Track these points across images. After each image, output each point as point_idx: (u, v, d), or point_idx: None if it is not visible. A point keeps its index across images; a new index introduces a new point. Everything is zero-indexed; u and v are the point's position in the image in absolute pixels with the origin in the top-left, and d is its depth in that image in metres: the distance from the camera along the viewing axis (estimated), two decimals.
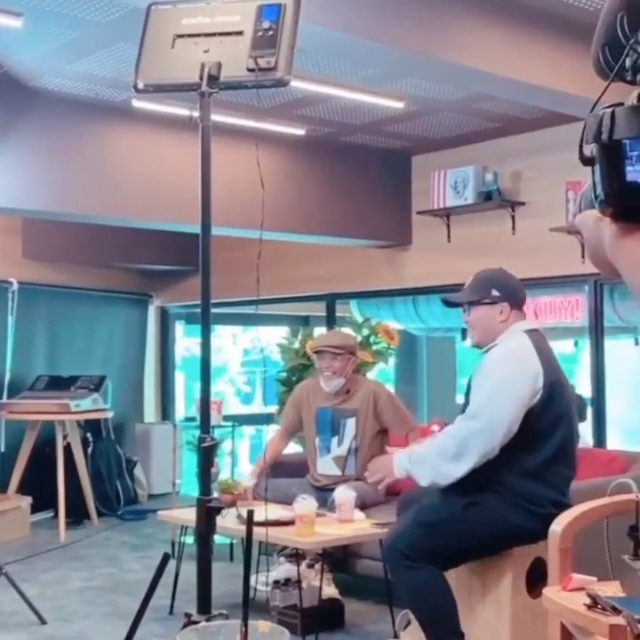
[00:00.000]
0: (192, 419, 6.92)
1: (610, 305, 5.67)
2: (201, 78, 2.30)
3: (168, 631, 4.12)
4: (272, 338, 6.47)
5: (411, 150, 6.44)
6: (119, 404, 7.45)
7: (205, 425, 2.33)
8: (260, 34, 2.34)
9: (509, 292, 3.47)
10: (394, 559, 3.31)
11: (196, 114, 2.32)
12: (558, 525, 2.61)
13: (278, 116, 5.57)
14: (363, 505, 4.47)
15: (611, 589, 2.39)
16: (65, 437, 6.63)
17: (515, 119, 5.62)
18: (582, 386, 5.84)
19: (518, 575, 3.34)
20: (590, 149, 0.87)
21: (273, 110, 5.43)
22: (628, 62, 0.87)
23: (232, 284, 6.12)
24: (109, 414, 7.07)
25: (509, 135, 5.94)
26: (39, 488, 6.66)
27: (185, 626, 2.26)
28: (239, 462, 7.94)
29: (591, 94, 0.90)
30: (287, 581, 4.34)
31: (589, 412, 5.47)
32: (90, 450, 7.23)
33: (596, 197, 0.86)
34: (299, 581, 4.13)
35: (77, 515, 6.73)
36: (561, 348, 7.45)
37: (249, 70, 2.31)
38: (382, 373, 7.18)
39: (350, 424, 4.77)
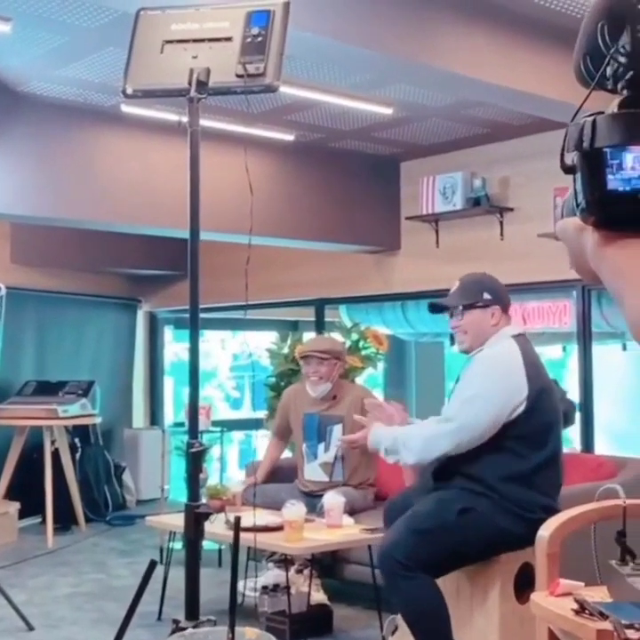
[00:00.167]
0: (181, 424, 6.90)
1: (597, 310, 5.69)
2: (190, 84, 2.30)
3: (156, 637, 4.11)
4: (261, 343, 6.46)
5: (399, 156, 6.46)
6: (107, 410, 7.44)
7: (194, 430, 2.33)
8: (248, 40, 2.34)
9: (499, 296, 3.49)
10: (389, 568, 3.24)
11: (184, 119, 2.32)
12: (546, 531, 2.62)
13: (267, 122, 5.58)
14: (351, 510, 4.47)
15: (598, 595, 2.39)
16: (53, 443, 6.60)
17: (503, 125, 5.64)
18: (571, 391, 5.86)
19: (506, 581, 3.35)
20: (571, 158, 0.87)
21: (262, 116, 5.44)
22: (608, 71, 0.88)
23: (221, 288, 6.12)
24: (98, 420, 7.05)
25: (497, 141, 5.96)
26: (27, 493, 6.64)
27: (172, 632, 2.25)
28: (228, 468, 7.92)
29: (578, 101, 0.91)
30: (276, 587, 4.33)
31: (577, 417, 5.48)
32: (78, 455, 7.21)
33: (578, 206, 0.87)
34: (287, 587, 4.13)
35: (65, 520, 6.70)
36: (549, 353, 7.48)
37: (238, 76, 2.31)
38: (371, 378, 7.18)
39: (337, 430, 4.76)
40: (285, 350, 5.74)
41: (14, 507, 6.49)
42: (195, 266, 2.30)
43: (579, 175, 0.86)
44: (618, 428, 7.71)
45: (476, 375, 3.34)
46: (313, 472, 4.83)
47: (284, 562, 4.30)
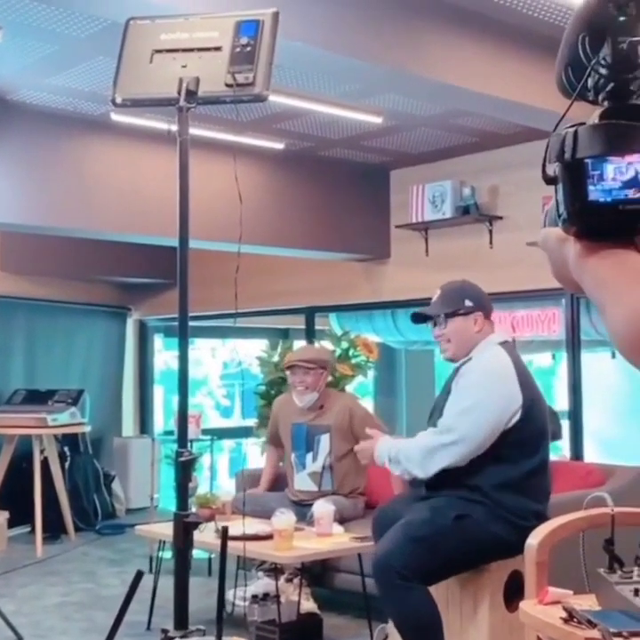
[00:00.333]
0: (171, 432, 6.89)
1: (586, 318, 5.71)
2: (179, 93, 2.30)
3: None
4: (252, 351, 6.46)
5: (389, 165, 6.47)
6: (97, 418, 7.42)
7: (183, 439, 2.33)
8: (238, 49, 2.35)
9: (481, 302, 3.49)
10: (387, 578, 3.18)
11: (174, 128, 2.33)
12: (534, 539, 2.62)
13: (257, 130, 5.59)
14: (341, 519, 4.47)
15: (586, 603, 2.40)
16: (42, 452, 6.58)
17: (492, 134, 5.67)
18: (560, 399, 5.87)
19: (496, 589, 3.35)
20: (553, 169, 0.88)
21: (252, 124, 5.45)
22: (590, 82, 0.89)
23: (211, 297, 6.11)
24: (87, 428, 7.03)
25: (486, 150, 5.99)
26: (16, 503, 6.61)
27: None
28: (218, 476, 7.91)
29: (569, 111, 0.92)
30: (265, 596, 4.32)
31: (566, 424, 5.50)
32: (67, 464, 7.19)
33: (560, 216, 0.88)
34: (277, 596, 4.12)
35: (54, 529, 6.68)
36: (539, 361, 7.50)
37: (227, 85, 2.32)
38: (361, 386, 7.18)
39: (324, 440, 4.76)
40: (275, 358, 5.73)
41: (3, 516, 6.46)
42: (184, 274, 2.30)
43: (560, 186, 0.87)
44: (607, 436, 7.73)
45: (471, 385, 3.32)
46: (302, 482, 4.82)
47: (274, 571, 4.29)
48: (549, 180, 0.88)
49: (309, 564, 4.42)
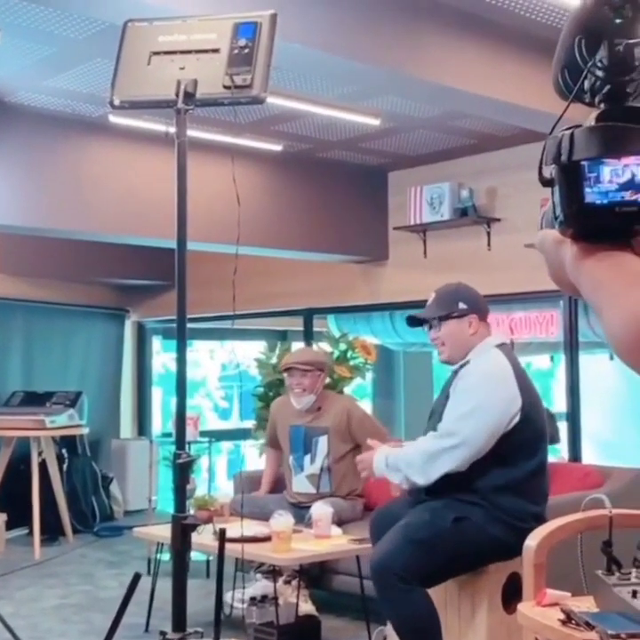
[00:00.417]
0: (169, 434, 6.89)
1: (584, 320, 5.71)
2: (177, 95, 2.31)
3: None
4: (250, 353, 6.46)
5: (387, 166, 6.48)
6: (95, 420, 7.41)
7: (181, 441, 2.33)
8: (235, 51, 2.35)
9: (475, 304, 3.49)
10: (385, 580, 3.17)
11: (172, 130, 2.33)
12: (533, 540, 2.62)
13: (255, 132, 5.59)
14: (339, 521, 4.47)
15: (584, 605, 2.40)
16: (40, 454, 6.58)
17: (490, 136, 5.67)
18: (558, 400, 5.87)
19: (494, 591, 3.35)
20: (550, 171, 0.88)
21: (250, 126, 5.45)
22: (586, 85, 0.89)
23: (209, 298, 6.11)
24: (85, 430, 7.03)
25: (485, 152, 5.99)
26: (14, 505, 6.60)
27: None
28: (216, 478, 7.90)
29: (566, 114, 0.92)
30: (263, 598, 4.32)
31: (565, 426, 5.50)
32: (65, 466, 7.18)
33: (556, 218, 0.88)
34: (275, 598, 4.12)
35: (52, 531, 6.67)
36: (537, 363, 7.50)
37: (225, 87, 2.32)
38: (360, 388, 7.18)
39: (322, 442, 4.75)
40: (274, 360, 5.73)
41: (1, 518, 6.44)
42: (182, 276, 2.30)
43: (557, 188, 0.87)
44: (605, 438, 7.73)
45: (470, 388, 3.31)
46: (300, 484, 4.82)
47: (272, 573, 4.29)
48: (546, 183, 0.88)
49: (307, 566, 4.42)
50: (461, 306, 3.45)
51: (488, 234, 5.99)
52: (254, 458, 6.02)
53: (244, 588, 4.43)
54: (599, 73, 0.87)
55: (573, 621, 2.27)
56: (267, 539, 4.03)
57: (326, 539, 4.21)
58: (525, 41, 4.16)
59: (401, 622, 3.23)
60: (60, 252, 7.26)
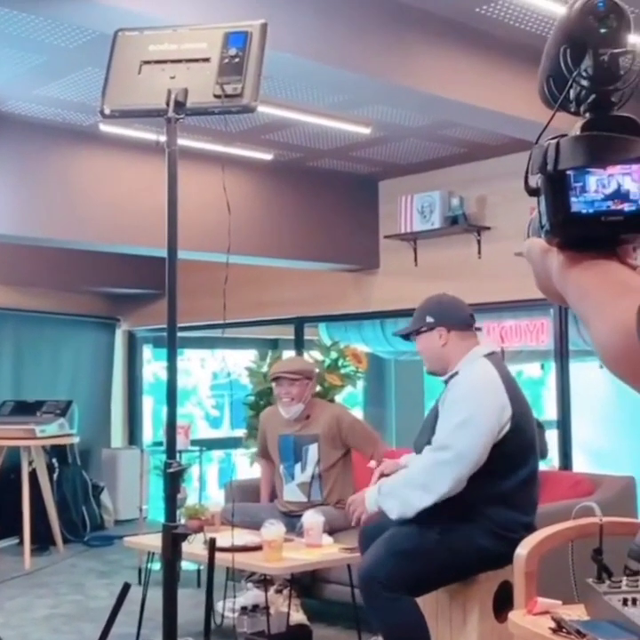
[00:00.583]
0: (160, 443, 6.87)
1: (575, 328, 5.73)
2: (167, 104, 2.30)
3: None
4: (241, 361, 6.45)
5: (378, 175, 6.49)
6: (86, 429, 7.39)
7: (171, 450, 2.32)
8: (226, 60, 2.35)
9: (443, 316, 3.48)
10: (371, 589, 3.19)
11: (162, 139, 2.33)
12: (523, 549, 2.62)
13: (246, 141, 5.60)
14: (331, 530, 4.46)
15: (575, 613, 2.40)
16: (30, 463, 6.55)
17: (480, 145, 5.69)
18: (549, 409, 5.88)
19: (485, 599, 3.35)
20: (536, 180, 0.88)
21: (240, 135, 5.46)
22: (571, 94, 0.89)
23: (200, 307, 6.11)
24: (76, 439, 7.00)
25: (475, 161, 6.01)
26: (4, 514, 6.58)
27: None
28: (207, 487, 7.89)
29: (553, 123, 0.92)
30: (255, 607, 4.31)
31: (555, 434, 5.51)
32: (56, 475, 7.15)
33: (542, 227, 0.88)
34: (266, 607, 4.11)
35: (43, 541, 6.64)
36: (528, 371, 7.52)
37: (215, 96, 2.32)
38: (351, 396, 7.18)
39: (312, 450, 4.75)
40: (264, 369, 5.73)
41: None
42: (173, 285, 2.30)
43: (543, 197, 0.87)
44: (595, 446, 7.74)
45: (460, 399, 3.30)
46: (291, 493, 4.81)
47: (264, 582, 4.28)
48: (532, 192, 0.89)
49: (299, 575, 4.41)
50: (428, 319, 3.49)
51: (478, 242, 6.01)
52: (245, 467, 6.01)
53: (234, 597, 4.42)
54: (584, 82, 0.87)
55: (564, 630, 2.27)
56: (258, 548, 4.01)
57: (317, 548, 4.20)
58: (515, 50, 4.18)
59: (388, 631, 3.24)
60: (51, 260, 7.25)
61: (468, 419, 3.22)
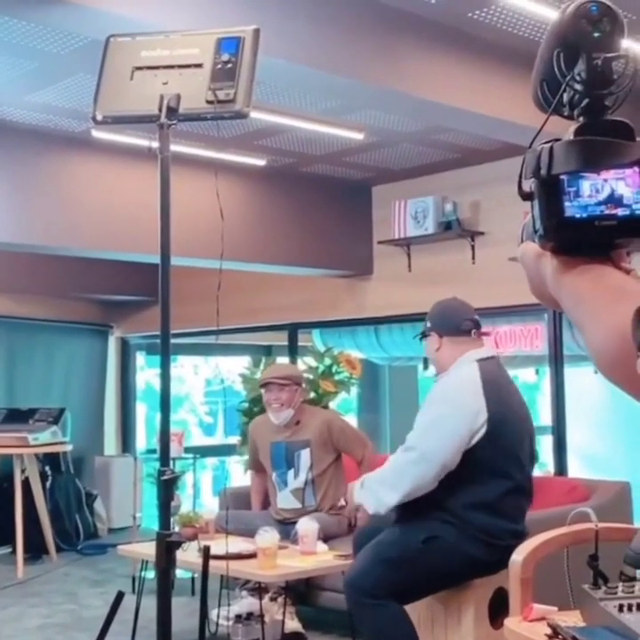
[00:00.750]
0: (153, 451, 6.85)
1: (569, 333, 5.73)
2: (160, 110, 2.30)
3: None
4: (234, 368, 6.44)
5: (371, 180, 6.49)
6: (79, 437, 7.36)
7: (165, 457, 2.30)
8: (219, 66, 2.35)
9: (438, 322, 3.52)
10: (356, 597, 3.23)
11: (155, 145, 2.32)
12: (519, 555, 2.61)
13: (239, 147, 5.59)
14: (325, 537, 4.44)
15: (571, 619, 2.39)
16: (23, 471, 6.52)
17: (473, 150, 5.70)
18: (544, 414, 5.87)
19: (480, 606, 3.34)
20: (529, 185, 0.88)
21: (233, 141, 5.45)
22: (565, 98, 0.89)
23: (193, 314, 6.09)
24: (68, 447, 6.97)
25: (468, 166, 6.02)
26: None
27: None
28: (201, 494, 7.87)
29: (547, 126, 0.92)
30: (249, 615, 4.29)
31: (550, 440, 5.50)
32: (48, 484, 7.12)
33: (536, 232, 0.87)
34: (261, 615, 4.09)
35: (36, 550, 6.61)
36: (523, 376, 7.51)
37: (208, 102, 2.31)
38: (345, 403, 7.17)
39: (304, 455, 4.74)
40: (258, 375, 5.71)
41: None
42: (166, 291, 2.29)
43: (536, 202, 0.86)
44: (590, 451, 7.74)
45: (432, 401, 3.39)
46: (285, 500, 4.80)
47: (258, 590, 4.26)
48: (525, 196, 0.88)
49: (293, 583, 4.39)
50: (427, 325, 3.56)
51: (472, 247, 6.01)
52: (239, 474, 5.99)
53: (229, 605, 4.40)
54: (577, 86, 0.87)
55: (560, 636, 2.26)
56: (252, 555, 4.00)
57: (312, 555, 4.19)
58: (508, 55, 4.18)
59: (375, 638, 3.24)
60: (43, 267, 7.23)
61: (436, 419, 3.26)
